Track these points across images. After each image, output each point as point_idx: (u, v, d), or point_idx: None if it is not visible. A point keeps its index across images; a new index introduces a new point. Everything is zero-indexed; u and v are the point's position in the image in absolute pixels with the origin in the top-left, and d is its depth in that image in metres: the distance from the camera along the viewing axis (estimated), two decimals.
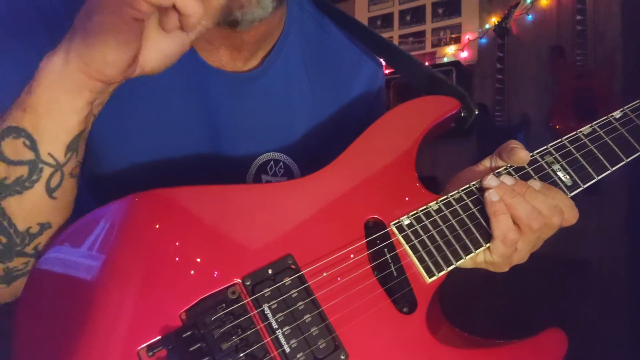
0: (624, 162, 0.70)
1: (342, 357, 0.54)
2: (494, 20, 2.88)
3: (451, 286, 0.65)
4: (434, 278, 0.60)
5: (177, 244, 0.57)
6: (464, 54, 3.03)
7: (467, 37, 3.03)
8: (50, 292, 0.53)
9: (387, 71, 2.21)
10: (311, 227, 0.62)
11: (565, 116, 2.57)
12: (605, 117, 0.73)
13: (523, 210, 0.60)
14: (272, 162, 0.79)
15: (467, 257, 0.62)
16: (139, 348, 0.50)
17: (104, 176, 0.72)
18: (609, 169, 0.68)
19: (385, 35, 3.17)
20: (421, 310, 0.59)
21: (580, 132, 0.71)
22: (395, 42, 3.27)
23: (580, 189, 0.67)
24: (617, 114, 0.74)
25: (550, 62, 2.70)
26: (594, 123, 0.73)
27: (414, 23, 3.26)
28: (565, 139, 0.71)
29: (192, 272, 0.56)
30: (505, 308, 2.47)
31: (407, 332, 0.58)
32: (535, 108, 2.75)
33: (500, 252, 0.61)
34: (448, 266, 0.61)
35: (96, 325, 0.51)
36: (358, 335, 0.56)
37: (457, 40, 3.09)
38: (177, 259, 0.56)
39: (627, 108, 0.75)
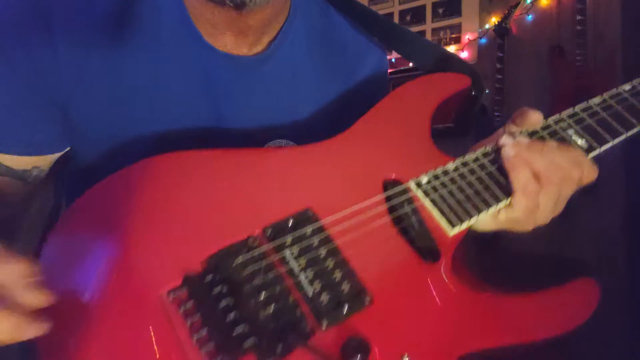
0: (637, 129, 0.70)
1: (367, 300, 0.54)
2: (494, 20, 2.90)
3: None
4: (455, 230, 0.60)
5: (200, 198, 0.57)
6: (464, 54, 3.04)
7: (467, 37, 3.05)
8: (71, 244, 0.54)
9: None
10: (330, 187, 0.62)
11: None
12: (615, 89, 0.74)
13: (542, 164, 0.60)
14: None
15: (489, 210, 0.61)
16: (161, 292, 0.51)
17: (103, 168, 0.69)
18: (623, 134, 0.69)
19: None
20: (446, 259, 0.59)
21: (591, 101, 0.72)
22: None
23: (597, 151, 0.67)
24: (626, 86, 0.76)
25: (550, 62, 2.72)
26: (604, 94, 0.74)
27: (414, 23, 3.28)
28: (577, 107, 0.72)
29: (214, 223, 0.56)
30: None
31: (432, 278, 0.58)
32: (535, 108, 2.75)
33: (523, 205, 0.61)
34: (469, 218, 0.61)
35: (118, 272, 0.51)
36: (381, 281, 0.56)
37: (457, 40, 3.11)
38: (199, 212, 0.57)
39: (637, 81, 0.76)
